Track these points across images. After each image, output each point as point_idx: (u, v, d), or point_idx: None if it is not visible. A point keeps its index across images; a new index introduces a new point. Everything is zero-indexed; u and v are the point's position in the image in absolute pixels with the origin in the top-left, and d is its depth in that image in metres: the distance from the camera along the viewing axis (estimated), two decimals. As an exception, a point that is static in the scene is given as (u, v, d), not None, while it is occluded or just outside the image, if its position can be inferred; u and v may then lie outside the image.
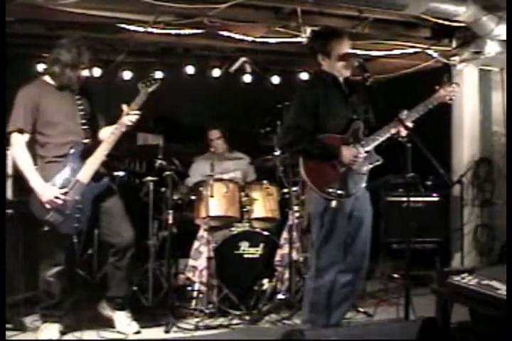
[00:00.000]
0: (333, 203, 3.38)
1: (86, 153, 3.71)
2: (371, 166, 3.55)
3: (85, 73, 3.74)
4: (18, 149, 3.63)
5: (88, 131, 3.77)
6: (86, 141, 3.74)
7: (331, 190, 3.40)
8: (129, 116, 3.75)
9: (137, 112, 3.77)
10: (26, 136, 3.64)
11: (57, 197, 3.57)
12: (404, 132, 3.44)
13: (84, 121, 3.76)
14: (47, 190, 3.58)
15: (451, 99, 3.54)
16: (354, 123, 3.54)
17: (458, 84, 3.58)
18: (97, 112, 3.91)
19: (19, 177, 4.04)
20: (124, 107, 3.78)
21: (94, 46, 3.85)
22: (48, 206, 3.56)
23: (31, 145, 3.67)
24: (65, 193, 3.60)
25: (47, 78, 3.77)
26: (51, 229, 3.56)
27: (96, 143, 3.79)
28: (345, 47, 3.55)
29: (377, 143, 3.51)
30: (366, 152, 3.49)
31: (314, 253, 3.52)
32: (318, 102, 3.48)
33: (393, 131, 3.47)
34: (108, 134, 3.77)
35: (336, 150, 3.44)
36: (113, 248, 3.82)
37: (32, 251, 3.91)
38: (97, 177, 3.72)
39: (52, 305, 3.76)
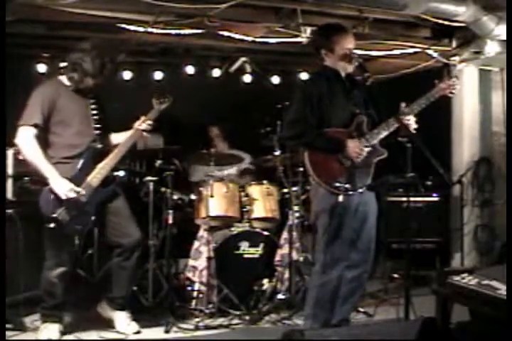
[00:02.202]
0: (341, 198, 3.38)
1: (97, 156, 3.73)
2: (377, 160, 3.55)
3: (102, 81, 3.76)
4: (28, 141, 3.59)
5: (100, 134, 3.79)
6: (99, 145, 3.76)
7: (338, 185, 3.40)
8: (142, 125, 3.81)
9: (150, 122, 3.85)
10: (36, 131, 3.61)
11: (71, 190, 3.57)
12: (413, 125, 3.44)
13: (96, 124, 3.78)
14: (62, 182, 3.58)
15: (452, 93, 3.54)
16: (357, 117, 3.53)
17: (458, 78, 3.58)
18: (108, 116, 3.93)
19: (22, 177, 4.06)
20: (140, 119, 3.85)
21: (116, 53, 3.87)
22: (63, 197, 3.56)
23: (40, 144, 3.65)
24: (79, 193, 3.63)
25: (63, 79, 3.78)
26: (56, 227, 3.56)
27: (107, 146, 3.83)
28: (350, 42, 3.56)
29: (381, 136, 3.50)
30: (371, 146, 3.50)
31: (321, 249, 3.51)
32: (321, 96, 3.48)
33: (396, 124, 3.47)
34: (121, 143, 3.80)
35: (341, 144, 3.45)
36: (120, 248, 3.82)
37: (32, 251, 3.91)
38: (105, 182, 3.73)
39: (54, 305, 3.76)
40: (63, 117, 3.68)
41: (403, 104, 3.47)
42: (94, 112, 3.79)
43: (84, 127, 3.75)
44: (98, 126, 3.79)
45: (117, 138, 3.93)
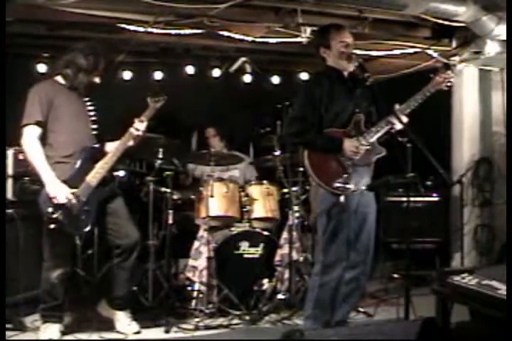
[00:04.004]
0: (341, 198, 3.38)
1: (96, 155, 3.73)
2: (376, 158, 3.55)
3: (97, 80, 3.77)
4: (32, 142, 3.60)
5: (98, 133, 3.79)
6: (96, 145, 3.76)
7: (338, 185, 3.40)
8: (138, 125, 3.80)
9: (145, 123, 3.83)
10: (39, 130, 3.63)
11: (67, 195, 3.57)
12: (399, 126, 3.44)
13: (94, 124, 3.78)
14: (58, 186, 3.58)
15: (447, 86, 3.54)
16: (356, 116, 3.54)
17: (453, 71, 3.59)
18: (106, 116, 3.93)
19: (22, 177, 4.06)
20: (136, 121, 3.83)
21: (110, 51, 3.87)
22: (57, 201, 3.55)
23: (41, 143, 3.66)
24: (74, 193, 3.62)
25: (59, 78, 3.78)
26: (57, 227, 3.56)
27: (104, 146, 3.83)
28: (345, 36, 3.57)
29: (379, 134, 3.51)
30: (370, 144, 3.50)
31: (321, 250, 3.52)
32: (322, 95, 3.49)
33: (393, 121, 3.47)
34: (119, 142, 3.80)
35: (338, 143, 3.45)
36: (119, 249, 3.82)
37: (32, 251, 3.91)
38: (104, 181, 3.73)
39: (54, 306, 3.75)
40: (61, 115, 3.68)
41: (397, 106, 3.48)
42: (91, 110, 3.79)
43: (82, 126, 3.75)
44: (95, 125, 3.79)
45: (112, 146, 3.90)
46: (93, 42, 3.82)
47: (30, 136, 3.61)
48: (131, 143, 3.82)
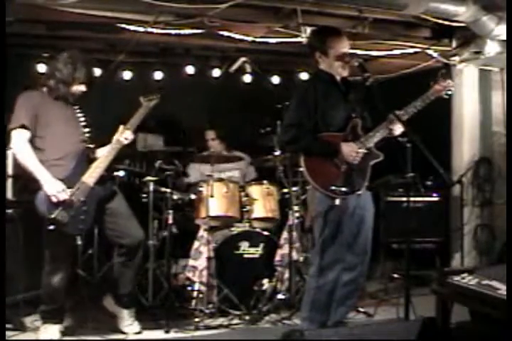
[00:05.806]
0: (337, 201, 3.39)
1: (90, 156, 3.73)
2: (372, 163, 3.55)
3: (81, 88, 3.73)
4: (22, 145, 3.59)
5: (89, 136, 3.77)
6: (91, 145, 3.75)
7: (334, 188, 3.40)
8: (125, 134, 3.78)
9: (131, 133, 3.80)
10: (28, 133, 3.61)
11: (63, 191, 3.56)
12: (399, 130, 3.44)
13: (84, 128, 3.77)
14: (54, 183, 3.57)
15: (447, 94, 3.55)
16: (352, 121, 3.55)
17: (452, 80, 3.60)
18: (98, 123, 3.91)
19: (21, 177, 4.05)
20: (121, 127, 3.80)
21: (91, 61, 3.84)
22: (54, 200, 3.54)
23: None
24: (72, 193, 3.61)
25: (44, 89, 3.77)
26: (56, 228, 3.54)
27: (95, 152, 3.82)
28: (344, 47, 3.56)
29: (376, 139, 3.51)
30: (367, 149, 3.50)
31: (318, 252, 3.52)
32: (317, 100, 3.49)
33: (391, 127, 3.47)
34: (114, 141, 3.78)
35: (336, 148, 3.45)
36: (123, 248, 3.82)
37: (32, 251, 3.91)
38: (101, 180, 3.73)
39: (54, 309, 3.75)
40: (48, 122, 3.65)
41: (397, 112, 3.47)
42: (81, 116, 3.77)
43: (71, 130, 3.72)
44: (85, 130, 3.77)
45: (102, 151, 3.88)
46: (72, 52, 3.76)
47: (19, 139, 3.60)
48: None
